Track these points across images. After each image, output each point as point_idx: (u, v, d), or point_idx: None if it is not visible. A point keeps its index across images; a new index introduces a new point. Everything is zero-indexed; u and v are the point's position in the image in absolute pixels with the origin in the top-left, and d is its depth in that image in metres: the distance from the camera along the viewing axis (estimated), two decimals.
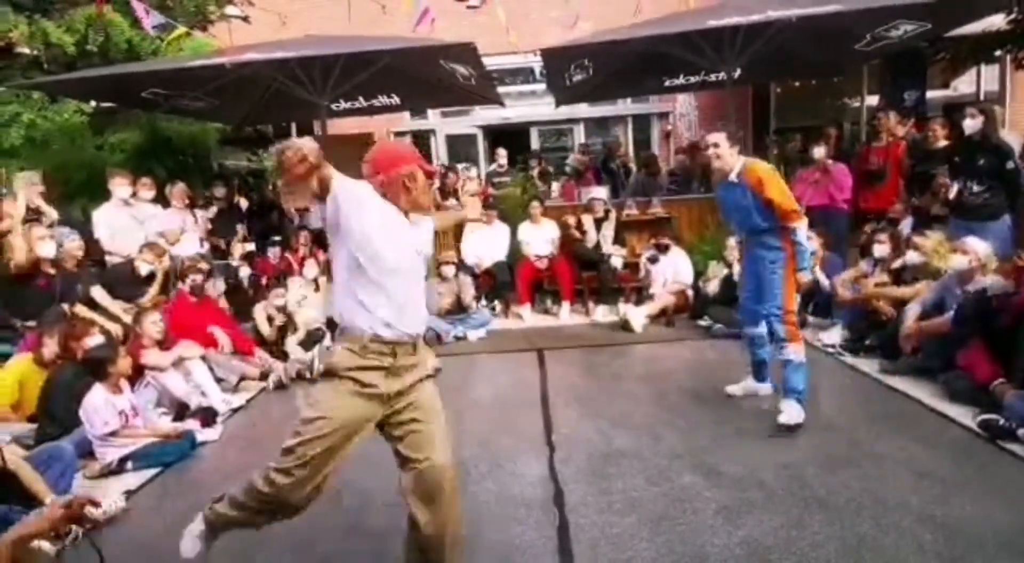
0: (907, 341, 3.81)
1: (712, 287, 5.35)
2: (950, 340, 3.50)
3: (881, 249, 4.45)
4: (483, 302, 6.06)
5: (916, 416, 3.29)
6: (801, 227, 3.14)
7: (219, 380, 4.23)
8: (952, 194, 4.55)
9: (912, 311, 3.86)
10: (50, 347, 3.63)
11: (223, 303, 5.34)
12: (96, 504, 1.78)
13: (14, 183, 4.90)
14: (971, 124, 4.42)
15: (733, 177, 3.21)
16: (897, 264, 4.34)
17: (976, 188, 4.45)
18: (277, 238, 6.38)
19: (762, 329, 3.46)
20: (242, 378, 4.43)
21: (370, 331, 1.83)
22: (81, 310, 4.29)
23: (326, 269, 6.02)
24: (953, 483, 2.56)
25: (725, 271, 5.24)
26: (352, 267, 1.83)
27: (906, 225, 5.06)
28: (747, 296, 3.46)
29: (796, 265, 3.20)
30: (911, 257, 4.20)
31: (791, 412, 3.14)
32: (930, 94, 7.96)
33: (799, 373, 3.20)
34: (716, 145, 3.22)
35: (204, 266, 4.95)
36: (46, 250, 4.14)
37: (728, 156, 3.21)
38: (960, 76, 8.61)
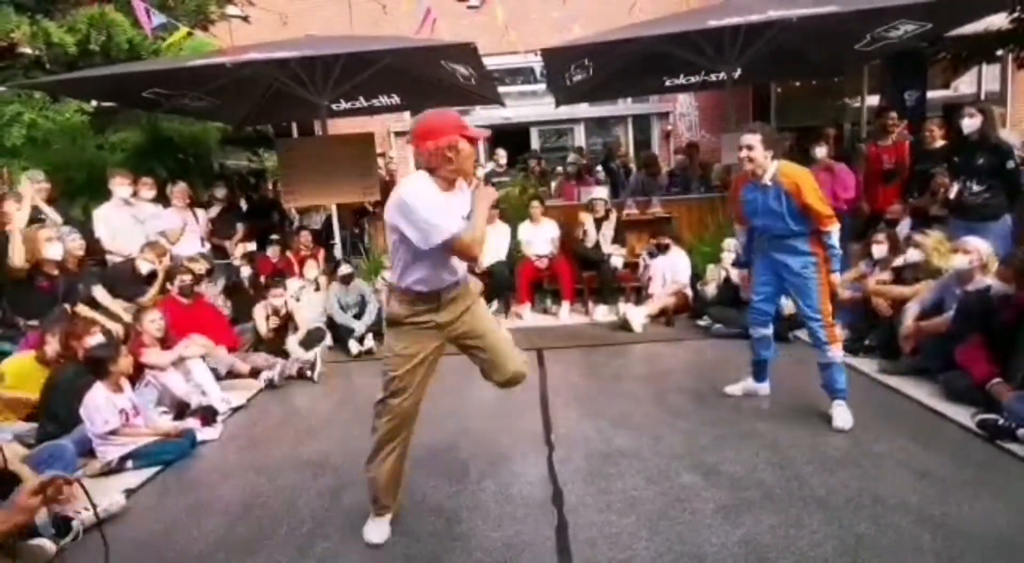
0: (906, 341, 3.81)
1: (710, 290, 5.36)
2: (950, 336, 3.50)
3: (879, 249, 4.45)
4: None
5: (915, 416, 3.29)
6: (835, 231, 3.08)
7: (217, 376, 4.25)
8: (952, 194, 4.55)
9: (911, 311, 3.86)
10: (52, 345, 3.65)
11: (222, 302, 5.34)
12: (69, 482, 1.76)
13: (20, 183, 4.89)
14: (969, 124, 4.42)
15: (767, 180, 3.08)
16: (898, 262, 4.34)
17: (976, 188, 4.45)
18: (275, 237, 6.39)
19: (769, 331, 3.46)
20: (230, 372, 4.41)
21: (416, 287, 2.22)
22: (82, 309, 4.30)
23: (326, 269, 6.05)
24: (952, 483, 2.56)
25: (723, 274, 5.25)
26: (400, 243, 2.17)
27: (905, 225, 5.06)
28: (760, 298, 3.40)
29: (829, 268, 3.15)
30: (912, 255, 4.19)
31: (845, 416, 3.15)
32: (931, 94, 7.94)
33: (842, 374, 3.20)
34: (750, 148, 3.06)
35: (197, 267, 4.96)
36: (53, 252, 4.14)
37: (761, 159, 3.07)
38: (961, 76, 8.61)
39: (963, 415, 3.13)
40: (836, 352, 3.18)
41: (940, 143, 5.15)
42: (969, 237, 3.82)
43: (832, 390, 3.23)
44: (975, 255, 3.64)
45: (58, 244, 4.18)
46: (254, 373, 4.50)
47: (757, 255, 3.41)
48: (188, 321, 4.46)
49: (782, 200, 3.06)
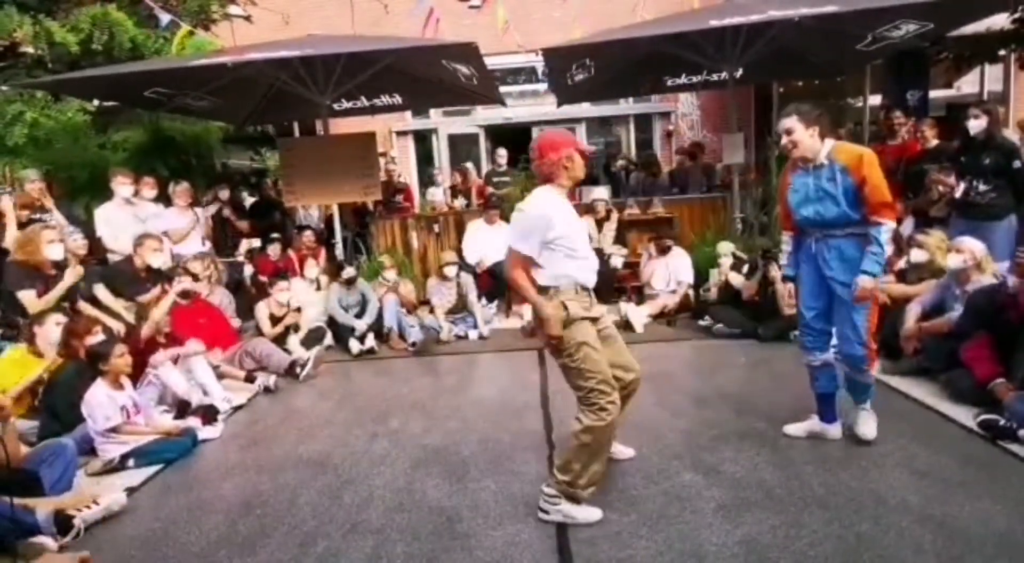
0: (908, 342, 3.80)
1: (712, 295, 5.38)
2: (955, 334, 3.49)
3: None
4: (483, 302, 6.06)
5: (917, 416, 3.28)
6: (889, 227, 2.65)
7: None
8: (959, 193, 4.55)
9: (912, 311, 3.85)
10: (41, 336, 3.64)
11: (228, 303, 5.34)
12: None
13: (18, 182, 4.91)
14: (975, 124, 4.42)
15: (821, 159, 2.73)
16: (901, 264, 4.33)
17: (982, 187, 4.45)
18: (275, 235, 6.40)
19: (829, 355, 2.96)
20: (221, 375, 4.39)
21: (581, 284, 2.50)
22: (85, 308, 4.30)
23: (327, 269, 6.05)
24: (953, 483, 2.56)
25: (723, 278, 5.26)
26: (557, 250, 2.42)
27: (907, 225, 5.05)
28: (812, 314, 2.91)
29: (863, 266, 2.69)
30: (915, 255, 4.19)
31: (871, 423, 2.98)
32: (934, 94, 7.93)
33: (871, 387, 3.01)
34: (789, 132, 2.71)
35: (199, 266, 4.95)
36: (55, 253, 4.16)
37: (807, 141, 2.71)
38: (963, 76, 8.61)
39: (964, 415, 3.13)
40: (875, 370, 2.99)
41: (933, 143, 5.17)
42: (962, 237, 3.82)
43: (859, 398, 3.02)
44: (968, 254, 3.64)
45: (59, 245, 4.19)
46: (249, 378, 4.48)
47: (804, 263, 2.95)
48: (187, 321, 4.47)
49: (838, 179, 2.68)
